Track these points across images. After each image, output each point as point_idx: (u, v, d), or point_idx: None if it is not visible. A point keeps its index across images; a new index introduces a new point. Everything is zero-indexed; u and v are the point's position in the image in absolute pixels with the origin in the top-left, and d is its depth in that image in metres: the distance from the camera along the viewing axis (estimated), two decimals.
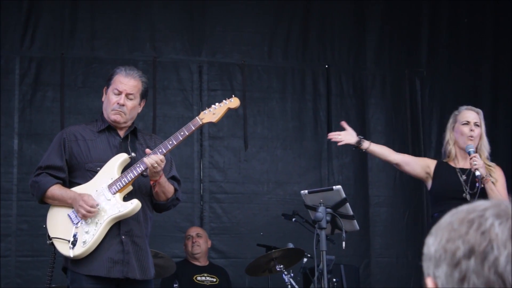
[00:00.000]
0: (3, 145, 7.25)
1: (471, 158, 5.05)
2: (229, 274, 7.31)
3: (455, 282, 1.33)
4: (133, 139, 4.63)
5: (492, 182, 5.07)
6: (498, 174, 5.19)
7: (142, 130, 4.85)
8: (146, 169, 4.38)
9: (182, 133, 4.46)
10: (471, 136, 5.20)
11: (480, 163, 5.00)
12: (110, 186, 4.41)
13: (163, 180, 4.45)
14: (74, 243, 4.33)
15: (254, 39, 8.00)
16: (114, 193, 4.40)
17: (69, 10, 7.55)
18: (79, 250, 4.33)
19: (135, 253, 4.43)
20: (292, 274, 6.35)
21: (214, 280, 7.06)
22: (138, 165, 4.39)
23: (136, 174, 4.39)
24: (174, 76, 7.77)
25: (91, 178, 4.47)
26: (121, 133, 4.61)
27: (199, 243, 7.13)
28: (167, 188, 4.50)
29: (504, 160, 8.03)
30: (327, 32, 8.16)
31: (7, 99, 7.31)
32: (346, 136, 5.36)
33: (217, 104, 4.56)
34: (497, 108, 8.23)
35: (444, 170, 5.27)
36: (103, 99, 4.64)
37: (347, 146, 5.50)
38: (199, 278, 7.02)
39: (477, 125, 5.25)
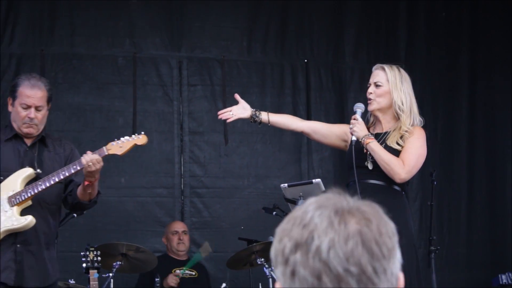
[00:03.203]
0: None
1: (351, 120, 4.62)
2: (210, 268, 7.36)
3: (287, 279, 1.36)
4: (41, 149, 4.65)
5: (396, 149, 4.54)
6: (411, 139, 4.57)
7: (51, 135, 4.86)
8: (56, 182, 4.43)
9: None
10: (369, 99, 4.70)
11: (358, 127, 4.58)
12: (10, 198, 4.44)
13: (97, 183, 4.53)
14: None
15: (233, 34, 8.01)
16: (12, 206, 4.44)
17: (48, 7, 7.53)
18: None
19: (30, 262, 4.50)
20: (273, 267, 6.38)
21: (193, 273, 7.09)
22: (40, 184, 4.42)
23: (36, 192, 4.43)
24: (154, 72, 7.77)
25: None
26: (28, 141, 4.63)
27: (185, 241, 7.18)
28: (95, 191, 4.58)
29: (481, 151, 8.18)
30: (306, 27, 8.17)
31: None
32: (238, 110, 4.86)
33: (126, 138, 4.63)
34: (475, 99, 8.32)
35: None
36: (9, 109, 4.65)
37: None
38: (178, 271, 7.05)
39: (379, 85, 4.67)
